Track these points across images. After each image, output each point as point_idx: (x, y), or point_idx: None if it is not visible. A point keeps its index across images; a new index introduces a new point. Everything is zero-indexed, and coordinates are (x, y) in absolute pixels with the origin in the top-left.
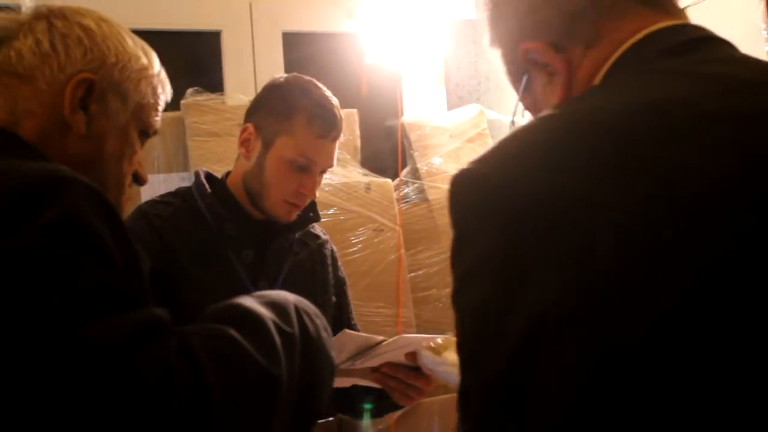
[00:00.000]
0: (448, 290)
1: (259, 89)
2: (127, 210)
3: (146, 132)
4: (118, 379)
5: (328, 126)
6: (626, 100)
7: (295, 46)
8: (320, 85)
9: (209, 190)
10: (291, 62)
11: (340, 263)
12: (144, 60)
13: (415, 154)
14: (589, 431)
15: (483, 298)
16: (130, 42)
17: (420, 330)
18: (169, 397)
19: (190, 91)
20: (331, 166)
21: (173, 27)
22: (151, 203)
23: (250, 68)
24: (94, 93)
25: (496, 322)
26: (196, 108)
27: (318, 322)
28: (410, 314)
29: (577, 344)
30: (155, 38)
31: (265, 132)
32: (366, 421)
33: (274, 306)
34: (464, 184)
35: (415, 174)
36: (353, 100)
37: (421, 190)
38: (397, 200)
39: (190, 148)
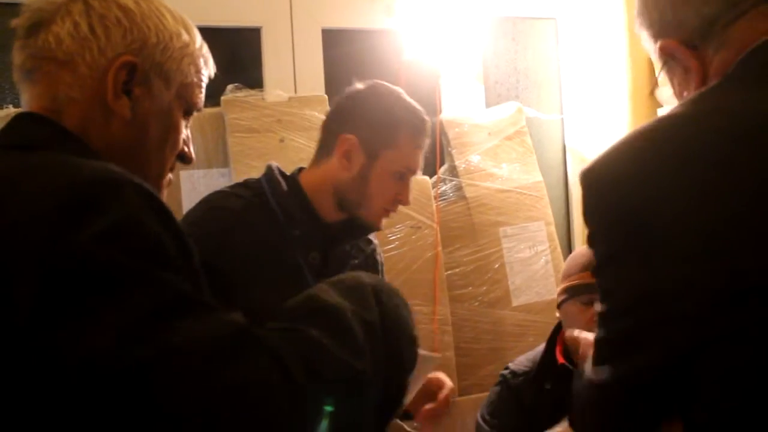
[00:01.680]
0: (485, 288)
1: (299, 86)
2: (167, 195)
3: (190, 111)
4: (217, 388)
5: (425, 136)
6: (748, 106)
7: (334, 42)
8: (403, 92)
9: (285, 188)
10: (330, 59)
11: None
12: (185, 36)
13: (453, 151)
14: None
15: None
16: (170, 18)
17: (455, 328)
18: (270, 405)
19: (230, 87)
20: (419, 171)
21: (213, 23)
22: (222, 195)
23: (289, 65)
24: (136, 76)
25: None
26: (236, 104)
27: (396, 300)
28: (446, 312)
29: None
30: None
31: (368, 144)
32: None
33: (352, 293)
34: (592, 182)
35: (453, 171)
36: None
37: (458, 188)
38: (435, 198)
39: (230, 144)
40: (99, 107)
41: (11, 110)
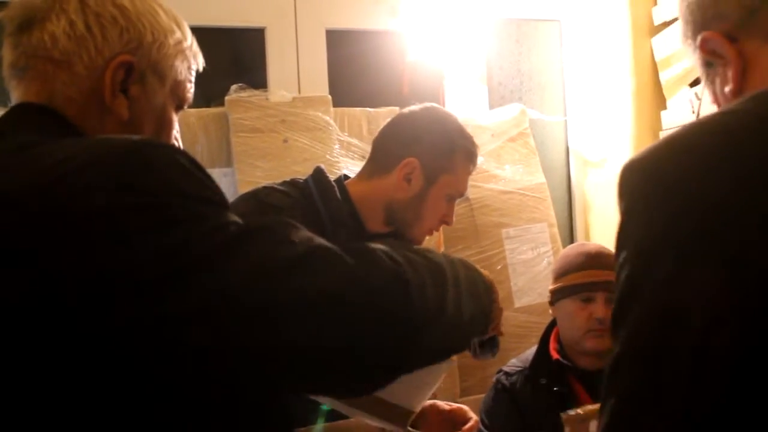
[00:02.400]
0: None
1: (303, 86)
2: None
3: (182, 106)
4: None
5: (476, 161)
6: None
7: (339, 43)
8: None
9: (336, 193)
10: (334, 60)
11: None
12: (178, 33)
13: None
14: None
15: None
16: (164, 16)
17: None
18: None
19: (234, 87)
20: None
21: (218, 24)
22: (269, 190)
23: (293, 65)
24: (133, 75)
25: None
26: (239, 104)
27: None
28: None
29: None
30: (199, 35)
31: (429, 168)
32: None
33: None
34: (634, 172)
35: None
36: (395, 98)
37: None
38: None
39: (234, 143)
40: (95, 106)
41: None
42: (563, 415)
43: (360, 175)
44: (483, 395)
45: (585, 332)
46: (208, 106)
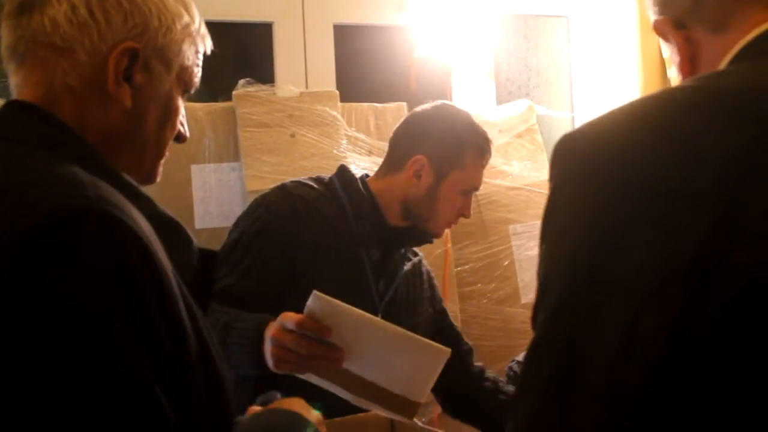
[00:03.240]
0: (494, 285)
1: (311, 81)
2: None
3: (188, 91)
4: None
5: (489, 155)
6: (753, 83)
7: (346, 38)
8: (468, 112)
9: (362, 188)
10: (341, 55)
11: (436, 282)
12: (186, 17)
13: None
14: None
15: (575, 258)
16: None
17: (464, 325)
18: None
19: (241, 81)
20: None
21: (225, 18)
22: (296, 184)
23: (301, 60)
24: (138, 62)
25: (587, 282)
26: (247, 99)
27: None
28: (456, 308)
29: (662, 315)
30: (207, 29)
31: (437, 164)
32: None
33: None
34: (569, 144)
35: None
36: (402, 93)
37: None
38: None
39: (241, 138)
40: (98, 95)
41: None
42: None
43: (377, 173)
44: None
45: None
46: (215, 100)
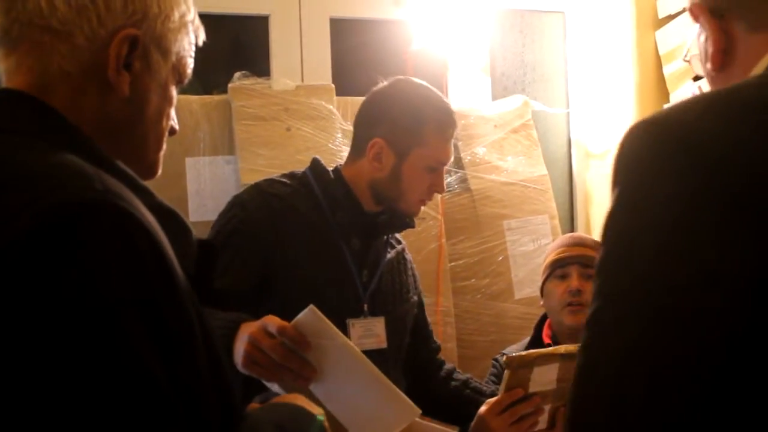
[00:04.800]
0: (488, 281)
1: (306, 75)
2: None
3: (182, 82)
4: None
5: (453, 127)
6: None
7: (343, 32)
8: (426, 84)
9: (335, 179)
10: (338, 48)
11: (416, 271)
12: (183, 6)
13: (459, 143)
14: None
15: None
16: None
17: (458, 320)
18: None
19: (237, 74)
20: (451, 159)
21: (222, 11)
22: (269, 182)
23: (297, 53)
24: (137, 50)
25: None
26: (243, 92)
27: None
28: (449, 304)
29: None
30: (203, 21)
31: (396, 145)
32: None
33: None
34: (642, 130)
35: (459, 163)
36: None
37: (463, 180)
38: None
39: (237, 131)
40: (95, 83)
41: None
42: (505, 357)
43: (347, 160)
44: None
45: (563, 307)
46: (210, 93)
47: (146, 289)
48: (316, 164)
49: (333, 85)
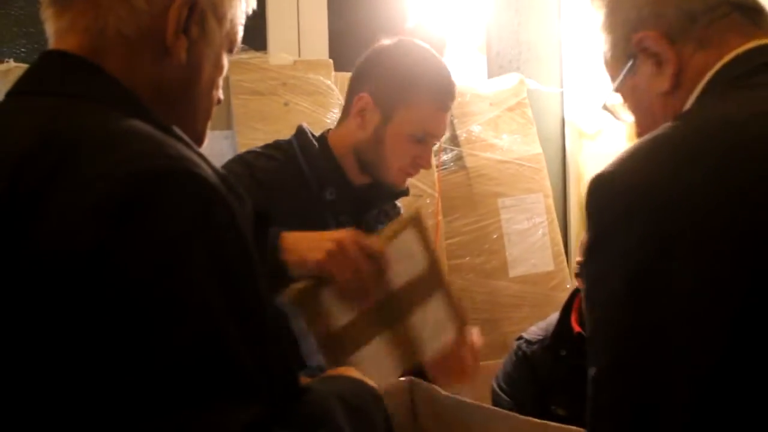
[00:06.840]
0: (483, 258)
1: (303, 50)
2: None
3: (232, 50)
4: None
5: (449, 97)
6: (750, 111)
7: (339, 8)
8: (432, 50)
9: (317, 149)
10: (335, 24)
11: None
12: None
13: (455, 121)
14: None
15: (624, 290)
16: None
17: None
18: None
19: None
20: (444, 135)
21: None
22: (254, 154)
23: (294, 28)
24: (194, 14)
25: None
26: (240, 65)
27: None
28: None
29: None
30: None
31: (382, 103)
32: None
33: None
34: (598, 186)
35: (454, 141)
36: None
37: (459, 158)
38: (437, 166)
39: (234, 106)
40: (152, 48)
41: (12, 64)
42: (288, 290)
43: (336, 124)
44: (500, 360)
45: None
46: None
47: (225, 256)
48: (301, 134)
49: (331, 60)
